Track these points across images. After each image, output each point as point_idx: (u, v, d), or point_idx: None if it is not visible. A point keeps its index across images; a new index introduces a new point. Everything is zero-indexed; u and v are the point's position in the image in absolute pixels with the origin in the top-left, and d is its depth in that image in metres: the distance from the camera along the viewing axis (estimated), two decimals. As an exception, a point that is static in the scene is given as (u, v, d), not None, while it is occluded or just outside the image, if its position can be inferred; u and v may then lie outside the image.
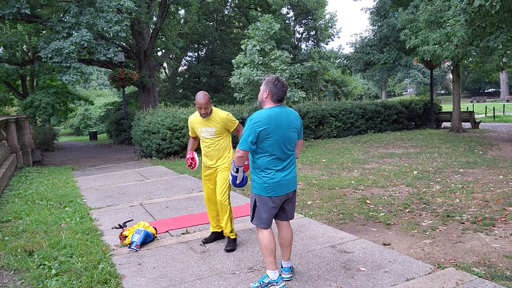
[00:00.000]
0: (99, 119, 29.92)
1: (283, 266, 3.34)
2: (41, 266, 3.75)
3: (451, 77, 17.23)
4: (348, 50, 66.10)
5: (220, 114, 4.08)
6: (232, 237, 4.10)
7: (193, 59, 30.82)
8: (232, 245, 4.06)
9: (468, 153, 9.63)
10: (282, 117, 3.12)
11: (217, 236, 4.34)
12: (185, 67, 31.43)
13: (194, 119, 4.19)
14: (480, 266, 3.40)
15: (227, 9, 28.79)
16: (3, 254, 4.10)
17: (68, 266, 3.71)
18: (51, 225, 5.07)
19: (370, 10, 19.59)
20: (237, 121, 4.13)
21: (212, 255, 3.95)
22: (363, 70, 19.55)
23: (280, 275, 3.19)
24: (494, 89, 55.94)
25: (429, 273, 3.31)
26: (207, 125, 4.09)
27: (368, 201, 5.63)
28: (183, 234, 4.64)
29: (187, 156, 4.37)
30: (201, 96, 3.98)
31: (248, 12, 27.81)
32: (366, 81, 59.44)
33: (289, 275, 3.31)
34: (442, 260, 3.58)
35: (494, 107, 24.33)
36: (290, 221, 3.38)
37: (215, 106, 15.24)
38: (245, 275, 3.46)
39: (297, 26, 27.63)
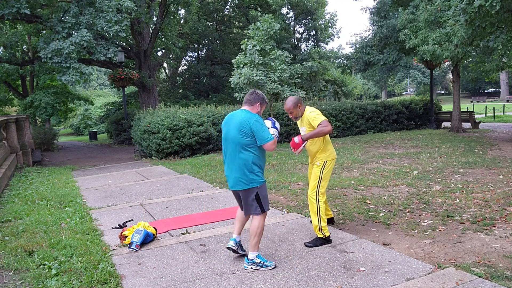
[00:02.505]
0: (99, 119, 29.93)
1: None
2: (41, 266, 3.75)
3: (451, 77, 17.23)
4: (348, 50, 66.13)
5: (306, 112, 4.14)
6: (318, 235, 4.06)
7: (193, 59, 30.84)
8: (312, 242, 4.03)
9: (468, 153, 9.63)
10: (232, 117, 3.64)
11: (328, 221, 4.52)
12: (185, 67, 31.44)
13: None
14: (480, 266, 3.40)
15: (227, 9, 28.80)
16: (3, 254, 4.10)
17: (68, 266, 3.71)
18: (51, 225, 5.07)
19: (370, 10, 19.59)
20: (320, 119, 3.97)
21: (212, 255, 3.95)
22: (363, 70, 19.56)
23: (233, 238, 3.80)
24: (494, 89, 55.92)
25: (429, 273, 3.31)
26: (301, 124, 4.25)
27: (368, 201, 5.63)
28: (183, 234, 4.64)
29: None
30: (286, 102, 4.17)
31: (248, 12, 27.83)
32: (366, 81, 59.39)
33: (245, 265, 3.57)
34: (442, 260, 3.58)
35: (494, 107, 24.34)
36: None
37: (215, 107, 15.20)
38: (245, 275, 3.46)
39: (297, 26, 27.67)
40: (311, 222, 4.72)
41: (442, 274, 3.26)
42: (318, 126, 3.97)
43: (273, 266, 3.55)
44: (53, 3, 13.37)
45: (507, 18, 9.22)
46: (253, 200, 3.53)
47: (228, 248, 3.75)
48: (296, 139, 4.06)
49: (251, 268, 3.53)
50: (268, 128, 3.62)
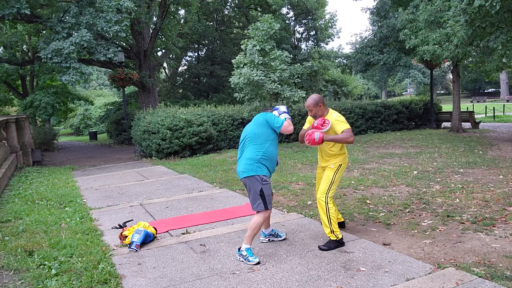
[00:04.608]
0: (99, 119, 29.92)
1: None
2: (41, 266, 3.75)
3: (451, 77, 17.23)
4: (348, 50, 66.12)
5: (331, 115, 4.05)
6: (332, 238, 3.97)
7: (193, 59, 30.82)
8: (327, 245, 3.95)
9: (468, 153, 9.63)
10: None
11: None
12: (185, 67, 31.42)
13: (310, 117, 4.32)
14: (480, 266, 3.40)
15: (227, 9, 28.78)
16: (3, 254, 4.10)
17: (68, 266, 3.71)
18: (51, 225, 5.07)
19: (370, 10, 19.58)
20: (345, 126, 3.92)
21: (212, 255, 3.95)
22: (363, 70, 19.54)
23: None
24: (494, 89, 55.91)
25: (429, 273, 3.31)
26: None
27: (368, 201, 5.63)
28: (183, 234, 4.64)
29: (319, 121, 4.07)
30: (308, 99, 4.12)
31: (248, 12, 27.80)
32: (366, 81, 59.41)
33: (236, 254, 3.84)
34: (442, 260, 3.58)
35: (494, 107, 24.32)
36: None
37: (215, 107, 15.16)
38: (245, 275, 3.46)
39: (297, 26, 27.63)
40: (321, 223, 4.69)
41: (442, 274, 3.26)
42: (342, 132, 3.89)
43: (255, 263, 3.65)
44: (53, 3, 13.36)
45: (507, 18, 9.22)
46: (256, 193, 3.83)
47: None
48: (317, 136, 3.85)
49: (239, 259, 3.77)
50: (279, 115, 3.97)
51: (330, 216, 3.97)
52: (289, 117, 3.97)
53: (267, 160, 3.82)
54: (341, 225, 4.51)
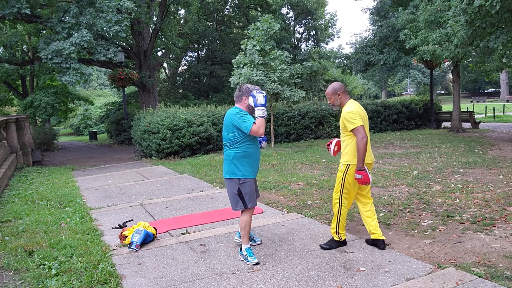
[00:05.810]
0: (99, 119, 29.94)
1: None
2: (41, 266, 3.75)
3: (451, 77, 17.23)
4: (348, 50, 66.16)
5: (346, 107, 3.86)
6: (335, 238, 3.94)
7: (193, 59, 30.85)
8: (328, 244, 3.93)
9: (468, 153, 9.63)
10: (225, 117, 3.84)
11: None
12: (185, 67, 31.45)
13: None
14: (480, 266, 3.40)
15: (227, 9, 28.82)
16: (3, 254, 4.10)
17: (68, 266, 3.71)
18: (51, 225, 5.07)
19: (370, 10, 19.60)
20: (356, 124, 3.69)
21: (212, 255, 3.95)
22: (363, 70, 19.56)
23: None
24: (494, 89, 55.94)
25: (429, 273, 3.31)
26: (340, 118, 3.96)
27: (368, 201, 5.62)
28: (183, 234, 4.64)
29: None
30: (328, 86, 3.98)
31: (248, 12, 27.83)
32: (366, 81, 59.45)
33: (239, 255, 3.82)
34: (442, 260, 3.58)
35: (494, 107, 24.33)
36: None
37: (215, 107, 15.09)
38: (245, 275, 3.46)
39: (297, 26, 27.69)
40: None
41: (442, 274, 3.26)
42: (352, 131, 3.73)
43: (253, 263, 3.64)
44: (53, 3, 13.37)
45: (507, 18, 9.22)
46: (235, 195, 3.77)
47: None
48: (332, 149, 4.10)
49: (240, 258, 3.78)
50: (254, 107, 3.69)
51: (340, 218, 3.93)
52: (264, 110, 3.61)
53: (244, 159, 3.74)
54: None
